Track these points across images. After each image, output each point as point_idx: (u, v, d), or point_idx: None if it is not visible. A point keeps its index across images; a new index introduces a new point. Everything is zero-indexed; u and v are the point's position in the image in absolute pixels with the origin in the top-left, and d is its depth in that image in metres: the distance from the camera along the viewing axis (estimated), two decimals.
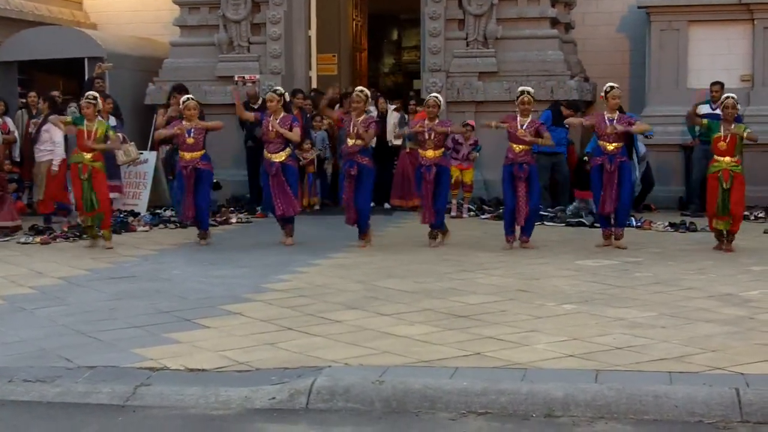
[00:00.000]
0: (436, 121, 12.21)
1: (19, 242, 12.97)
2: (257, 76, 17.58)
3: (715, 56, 16.84)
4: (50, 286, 9.88)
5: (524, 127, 11.93)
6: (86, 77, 17.10)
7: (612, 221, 12.26)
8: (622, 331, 7.54)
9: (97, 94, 12.84)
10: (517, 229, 12.14)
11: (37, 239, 13.08)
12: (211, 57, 18.15)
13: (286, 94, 13.47)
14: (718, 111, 15.00)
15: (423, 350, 7.05)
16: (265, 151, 12.59)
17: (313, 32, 18.40)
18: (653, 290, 9.25)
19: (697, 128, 15.44)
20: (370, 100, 12.55)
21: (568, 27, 18.60)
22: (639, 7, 17.45)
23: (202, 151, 12.62)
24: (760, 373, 6.30)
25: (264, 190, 12.84)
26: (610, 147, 12.03)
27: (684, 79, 16.62)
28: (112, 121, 15.66)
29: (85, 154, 12.38)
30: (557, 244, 12.33)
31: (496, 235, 12.84)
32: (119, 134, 15.18)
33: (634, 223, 14.33)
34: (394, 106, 17.05)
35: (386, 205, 16.69)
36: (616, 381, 6.17)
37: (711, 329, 7.60)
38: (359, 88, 12.69)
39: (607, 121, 12.08)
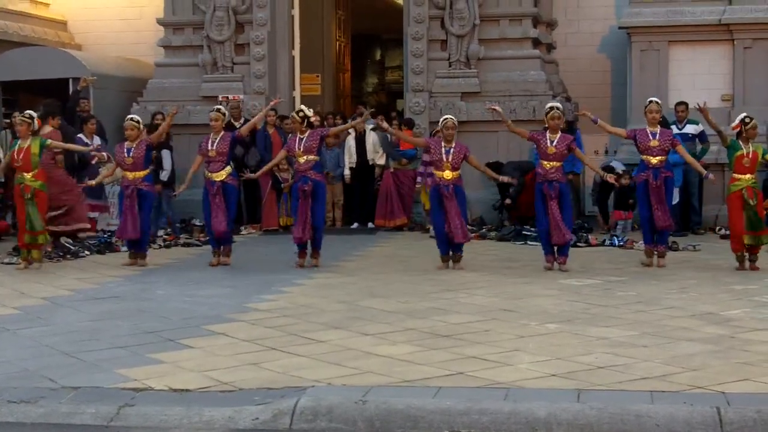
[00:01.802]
0: (453, 144, 12.01)
1: (2, 263, 12.94)
2: (241, 96, 17.64)
3: (696, 76, 16.98)
4: (34, 306, 9.86)
5: (554, 143, 11.80)
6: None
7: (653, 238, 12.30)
8: (604, 351, 7.58)
9: (34, 114, 12.70)
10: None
11: (21, 259, 13.04)
12: (195, 77, 18.20)
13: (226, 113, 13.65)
14: (686, 131, 15.21)
15: (406, 370, 7.07)
16: (206, 171, 12.61)
17: (296, 52, 18.47)
18: (635, 309, 9.28)
19: None
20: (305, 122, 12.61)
21: (550, 47, 18.73)
22: (620, 28, 17.59)
23: (145, 172, 12.66)
24: (741, 392, 6.34)
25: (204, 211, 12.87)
26: (654, 161, 12.02)
27: (665, 99, 16.65)
28: (97, 140, 15.69)
29: (25, 174, 12.35)
30: (541, 263, 12.31)
31: (480, 254, 12.89)
32: (104, 153, 15.18)
33: (617, 242, 14.41)
34: (372, 126, 17.09)
35: (369, 225, 16.74)
36: (599, 400, 6.21)
37: (692, 348, 7.64)
38: (297, 109, 12.80)
39: (650, 136, 12.08)
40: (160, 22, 18.67)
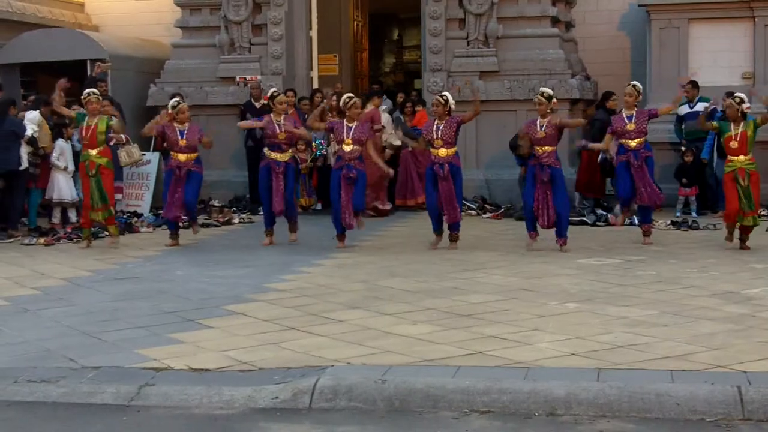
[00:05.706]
0: (445, 120, 12.03)
1: (22, 243, 13.00)
2: (259, 77, 17.59)
3: (716, 54, 16.84)
4: (54, 287, 9.91)
5: (544, 128, 11.72)
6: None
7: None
8: (624, 330, 7.56)
9: (97, 91, 12.96)
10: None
11: (41, 240, 13.11)
12: (213, 58, 18.17)
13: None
14: (697, 108, 15.12)
15: (425, 349, 7.07)
16: (269, 152, 12.69)
17: (314, 33, 18.41)
18: (655, 288, 9.26)
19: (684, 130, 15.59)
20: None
21: (569, 25, 18.60)
22: (639, 5, 17.46)
23: (196, 154, 12.77)
24: (762, 371, 6.32)
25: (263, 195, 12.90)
26: (633, 144, 12.15)
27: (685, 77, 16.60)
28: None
29: (90, 150, 12.46)
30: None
31: (498, 234, 12.88)
32: (122, 135, 15.19)
33: (636, 221, 14.34)
34: (385, 107, 17.02)
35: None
36: (618, 379, 6.20)
37: (713, 327, 7.61)
38: (349, 94, 12.75)
39: (626, 119, 12.15)
40: (177, 2, 18.62)
